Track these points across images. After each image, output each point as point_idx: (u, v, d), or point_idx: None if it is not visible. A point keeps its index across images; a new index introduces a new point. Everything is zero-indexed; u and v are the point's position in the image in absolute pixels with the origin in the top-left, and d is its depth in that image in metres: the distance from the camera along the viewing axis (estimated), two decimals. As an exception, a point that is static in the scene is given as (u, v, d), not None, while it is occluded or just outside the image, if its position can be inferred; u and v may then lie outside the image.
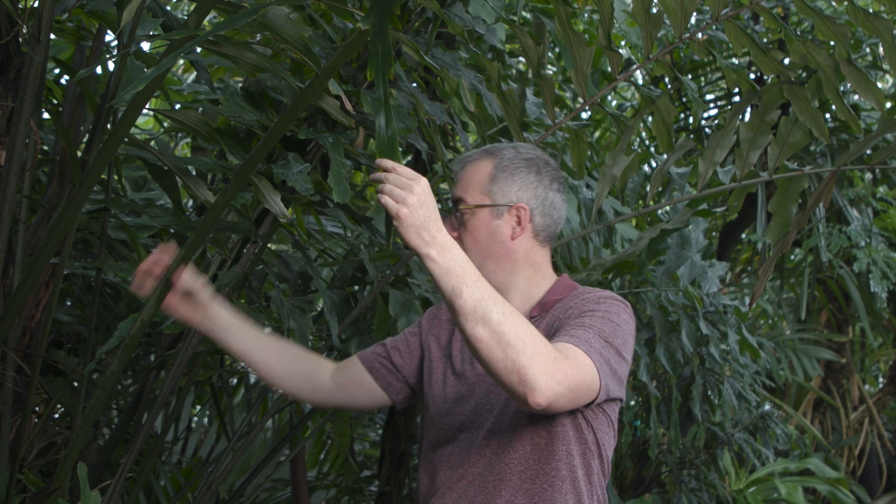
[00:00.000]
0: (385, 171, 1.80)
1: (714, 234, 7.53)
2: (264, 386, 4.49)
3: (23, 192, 2.73)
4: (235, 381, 5.49)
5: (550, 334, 2.00)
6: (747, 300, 6.81)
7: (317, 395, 2.31)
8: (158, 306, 2.29)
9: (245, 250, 2.98)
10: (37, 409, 3.09)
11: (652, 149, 6.82)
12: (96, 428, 3.29)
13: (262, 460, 3.61)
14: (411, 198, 1.75)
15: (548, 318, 2.08)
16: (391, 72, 1.82)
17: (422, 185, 1.77)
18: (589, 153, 5.13)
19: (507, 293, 2.12)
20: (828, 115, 6.31)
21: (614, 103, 7.63)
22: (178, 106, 3.87)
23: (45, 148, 3.24)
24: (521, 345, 1.73)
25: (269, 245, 3.02)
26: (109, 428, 3.95)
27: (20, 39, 2.65)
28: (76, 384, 3.06)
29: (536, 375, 1.72)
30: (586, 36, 5.36)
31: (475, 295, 1.74)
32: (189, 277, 2.20)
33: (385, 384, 2.30)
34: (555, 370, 1.75)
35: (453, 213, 2.16)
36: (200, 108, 2.99)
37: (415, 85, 3.22)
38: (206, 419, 6.08)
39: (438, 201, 4.64)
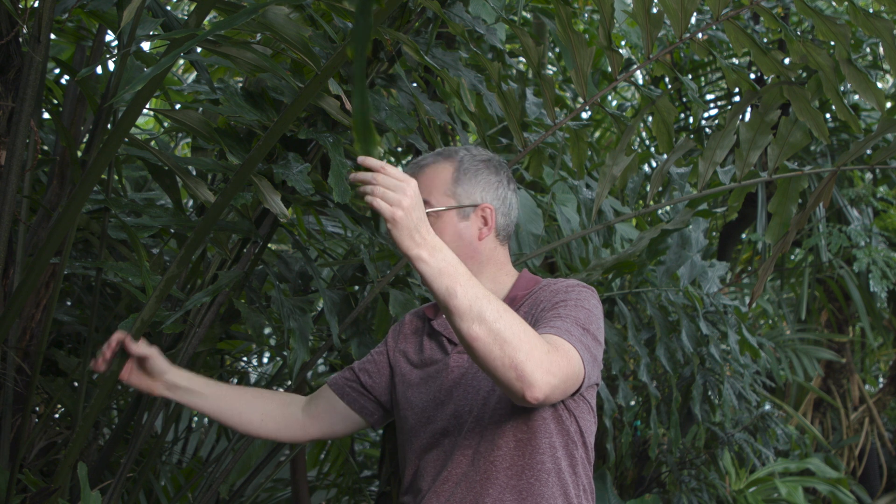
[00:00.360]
0: (371, 170, 1.74)
1: (714, 234, 7.54)
2: (265, 386, 4.49)
3: (23, 192, 2.74)
4: (236, 380, 5.49)
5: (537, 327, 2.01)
6: (747, 300, 6.81)
7: (293, 431, 2.33)
8: (158, 305, 2.29)
9: (245, 250, 2.99)
10: (37, 408, 3.09)
11: (652, 149, 6.82)
12: (96, 428, 3.28)
13: (262, 460, 3.61)
14: (405, 200, 1.72)
15: (518, 314, 2.08)
16: (368, 48, 1.78)
17: (413, 185, 1.75)
18: (589, 153, 5.13)
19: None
20: (828, 115, 6.31)
21: (614, 103, 7.63)
22: (178, 106, 3.87)
23: (46, 148, 3.24)
24: (517, 341, 1.73)
25: (269, 245, 3.02)
26: (110, 428, 3.95)
27: (20, 39, 2.65)
28: (76, 384, 3.06)
29: (533, 370, 1.73)
30: (587, 36, 5.37)
31: (469, 294, 1.74)
32: (143, 346, 2.21)
33: (358, 407, 2.32)
34: (549, 363, 1.76)
35: None
36: (201, 108, 2.99)
37: (415, 85, 3.22)
38: (206, 419, 6.09)
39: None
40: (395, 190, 1.72)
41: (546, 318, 1.97)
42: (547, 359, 1.76)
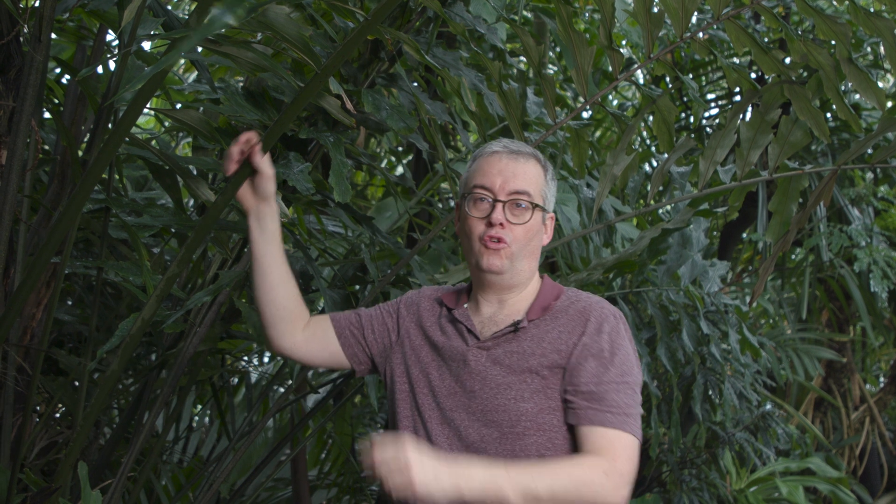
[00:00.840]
0: (373, 464, 1.83)
1: (715, 233, 7.53)
2: (265, 385, 4.49)
3: (24, 192, 2.74)
4: (236, 380, 5.50)
5: (557, 352, 2.08)
6: (748, 299, 6.81)
7: (283, 341, 2.29)
8: (159, 305, 2.29)
9: (246, 250, 2.99)
10: (38, 408, 3.09)
11: (653, 148, 6.82)
12: (97, 427, 3.29)
13: (263, 460, 3.62)
14: (412, 467, 1.80)
15: (553, 333, 2.12)
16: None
17: (409, 449, 1.82)
18: (590, 152, 5.13)
19: (516, 292, 2.19)
20: (828, 115, 6.31)
21: (615, 103, 7.63)
22: (178, 105, 3.87)
23: (47, 147, 3.24)
24: (577, 493, 1.88)
25: (269, 244, 3.01)
26: (110, 427, 3.95)
27: (21, 39, 2.65)
28: (77, 383, 3.06)
29: (605, 499, 1.90)
30: (587, 35, 5.37)
31: (517, 487, 1.84)
32: (266, 161, 2.16)
33: (350, 353, 2.32)
34: (614, 485, 1.92)
35: (510, 202, 2.13)
36: (201, 108, 2.99)
37: (416, 84, 3.22)
38: (207, 418, 6.09)
39: (439, 201, 4.63)
40: (398, 467, 1.81)
41: (596, 395, 2.03)
42: (610, 483, 1.91)
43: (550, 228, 2.23)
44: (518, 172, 2.15)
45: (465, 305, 2.22)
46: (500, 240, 2.11)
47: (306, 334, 2.30)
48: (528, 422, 2.06)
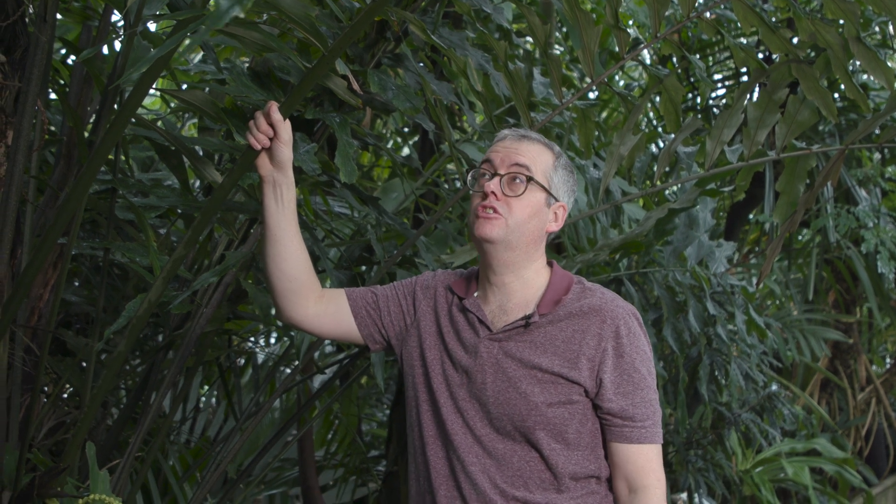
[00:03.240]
0: None
1: (722, 213, 7.52)
2: (272, 366, 4.50)
3: (30, 173, 2.74)
4: (243, 361, 5.51)
5: (570, 351, 2.09)
6: (755, 280, 6.80)
7: (294, 313, 2.26)
8: (166, 286, 2.29)
9: (252, 230, 2.99)
10: (46, 389, 3.10)
11: (659, 128, 6.80)
12: (105, 408, 3.30)
13: (269, 440, 3.62)
14: None
15: (567, 332, 2.12)
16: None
17: None
18: (596, 133, 5.11)
19: (514, 272, 2.17)
20: (836, 94, 6.28)
21: (622, 83, 7.60)
22: (184, 86, 3.86)
23: (53, 128, 3.24)
24: None
25: (276, 225, 3.01)
26: (118, 408, 3.97)
27: (27, 19, 2.64)
28: (85, 364, 3.07)
29: None
30: (594, 15, 5.34)
31: None
32: (287, 128, 2.11)
33: (366, 333, 2.31)
34: (664, 495, 2.10)
35: (508, 175, 2.14)
36: (207, 88, 2.98)
37: (422, 65, 3.21)
38: (213, 399, 6.11)
39: (445, 182, 4.63)
40: None
41: (631, 411, 2.10)
42: (662, 498, 2.09)
43: (561, 218, 2.21)
44: (521, 150, 2.16)
45: (476, 294, 2.22)
46: (494, 210, 2.11)
47: (319, 308, 2.27)
48: (538, 416, 2.06)
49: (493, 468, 2.10)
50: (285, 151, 2.10)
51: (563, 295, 2.16)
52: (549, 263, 2.24)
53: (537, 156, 2.17)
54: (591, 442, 2.11)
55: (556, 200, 2.18)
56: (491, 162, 2.16)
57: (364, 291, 2.34)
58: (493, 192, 2.11)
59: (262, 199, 2.15)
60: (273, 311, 2.35)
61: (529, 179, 2.13)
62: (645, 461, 2.09)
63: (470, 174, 2.24)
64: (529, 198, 2.14)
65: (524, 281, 2.18)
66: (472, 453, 2.12)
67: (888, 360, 9.91)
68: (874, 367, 8.80)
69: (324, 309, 2.27)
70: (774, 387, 5.99)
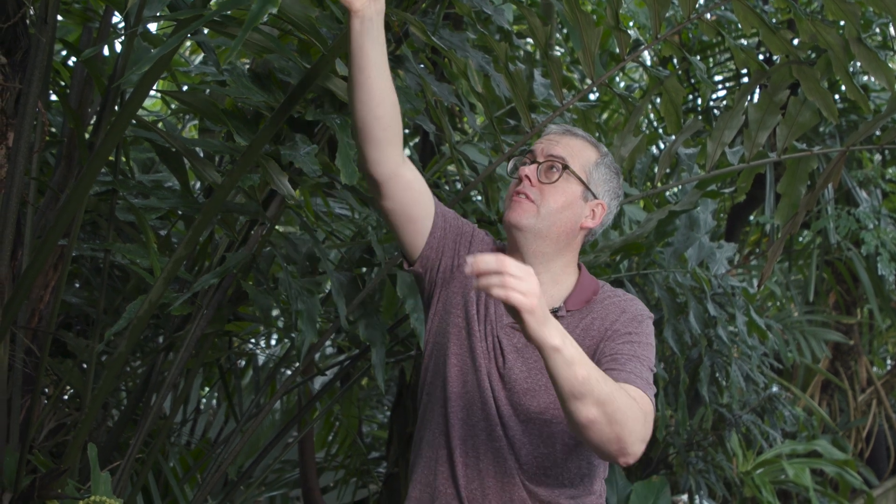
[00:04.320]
0: (490, 272, 1.70)
1: (722, 215, 7.51)
2: (273, 367, 4.50)
3: (31, 174, 2.74)
4: (244, 362, 5.51)
5: (590, 338, 2.07)
6: (756, 282, 6.79)
7: (384, 167, 2.06)
8: (166, 287, 2.29)
9: (253, 232, 2.99)
10: (46, 390, 3.10)
11: (660, 130, 6.80)
12: (105, 409, 3.30)
13: (270, 442, 3.62)
14: (535, 287, 1.70)
15: (587, 320, 2.11)
16: None
17: (532, 272, 1.72)
18: (597, 134, 5.11)
19: (543, 263, 2.13)
20: (837, 96, 6.28)
21: (622, 84, 7.60)
22: (185, 87, 3.86)
23: (53, 130, 3.24)
24: (624, 419, 1.80)
25: (276, 227, 3.02)
26: (118, 409, 3.97)
27: (27, 21, 2.64)
28: (85, 366, 3.07)
29: (633, 443, 1.83)
30: (594, 16, 5.34)
31: (590, 377, 1.77)
32: None
33: (426, 254, 2.18)
34: (644, 433, 1.87)
35: (546, 164, 2.13)
36: (208, 90, 2.98)
37: (422, 66, 3.21)
38: (214, 401, 6.11)
39: (446, 183, 4.62)
40: (523, 279, 1.70)
41: (621, 353, 2.01)
42: (643, 429, 1.86)
43: (599, 216, 2.17)
44: (561, 142, 2.16)
45: None
46: (525, 195, 2.09)
47: (410, 175, 2.09)
48: (556, 410, 2.05)
49: (514, 446, 2.08)
50: None
51: (591, 296, 2.15)
52: (578, 266, 2.22)
53: (578, 150, 2.16)
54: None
55: (595, 197, 2.16)
56: (532, 152, 2.16)
57: (448, 216, 2.21)
58: (527, 177, 2.10)
59: (353, 37, 1.94)
60: (359, 166, 2.11)
61: (564, 168, 2.11)
62: (639, 396, 1.93)
63: (512, 161, 2.23)
64: (564, 187, 2.11)
65: (552, 275, 2.14)
66: (497, 425, 2.09)
67: (889, 361, 9.90)
68: (875, 369, 8.79)
69: (411, 182, 2.10)
70: (775, 388, 5.98)
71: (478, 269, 1.70)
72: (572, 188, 2.13)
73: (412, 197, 2.11)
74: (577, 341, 1.95)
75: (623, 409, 1.80)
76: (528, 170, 2.12)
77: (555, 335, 1.73)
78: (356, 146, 2.09)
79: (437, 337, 2.21)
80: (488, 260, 1.69)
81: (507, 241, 2.22)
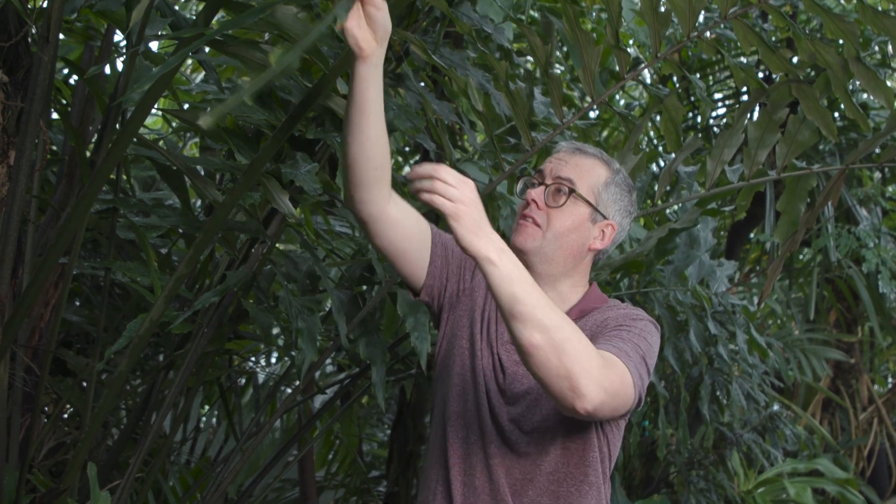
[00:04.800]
0: (426, 177, 1.72)
1: (722, 233, 7.52)
2: (273, 386, 4.49)
3: (32, 192, 2.74)
4: (244, 381, 5.50)
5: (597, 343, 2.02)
6: (756, 300, 6.79)
7: (372, 207, 2.06)
8: (167, 305, 2.29)
9: (253, 250, 2.99)
10: (46, 409, 3.10)
11: (660, 148, 6.81)
12: (105, 428, 3.29)
13: (270, 460, 3.61)
14: (465, 196, 1.70)
15: (580, 322, 2.08)
16: None
17: (471, 185, 1.72)
18: (597, 153, 5.11)
19: (550, 285, 2.13)
20: (836, 114, 6.29)
21: (622, 102, 7.62)
22: (186, 106, 3.87)
23: (55, 148, 3.25)
24: (574, 352, 1.73)
25: (277, 245, 3.02)
26: (118, 428, 3.96)
27: (29, 40, 2.65)
28: (85, 384, 3.07)
29: (587, 382, 1.73)
30: (594, 35, 5.36)
31: (533, 301, 1.72)
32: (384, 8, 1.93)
33: (430, 283, 2.19)
34: (603, 378, 1.76)
35: (553, 186, 2.11)
36: (209, 108, 2.99)
37: (423, 84, 3.22)
38: (214, 419, 6.09)
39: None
40: (455, 186, 1.70)
41: (608, 336, 1.98)
42: (601, 373, 1.76)
43: (608, 237, 2.14)
44: (571, 162, 2.13)
45: None
46: (531, 218, 2.09)
47: (397, 212, 2.10)
48: (556, 419, 2.04)
49: (506, 465, 2.07)
50: (387, 19, 1.92)
51: (593, 307, 2.14)
52: (590, 282, 2.21)
53: (587, 170, 2.13)
54: (600, 465, 2.09)
55: (605, 218, 2.14)
56: (542, 172, 2.15)
57: (446, 239, 2.21)
58: (533, 201, 2.10)
59: (357, 81, 1.93)
60: (345, 203, 2.14)
61: (571, 192, 2.09)
62: (610, 357, 1.86)
63: (521, 182, 2.21)
64: (571, 210, 2.10)
65: (559, 293, 2.14)
66: (493, 445, 2.08)
67: (890, 379, 9.89)
68: (876, 387, 8.78)
69: (400, 217, 2.11)
70: (776, 407, 5.98)
71: (412, 175, 1.71)
72: (580, 211, 2.11)
73: (401, 233, 2.12)
74: None
75: (573, 342, 1.73)
76: (535, 193, 2.11)
77: (490, 248, 1.71)
78: (343, 185, 2.09)
79: (444, 360, 2.22)
80: (424, 166, 1.70)
81: None
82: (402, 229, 2.11)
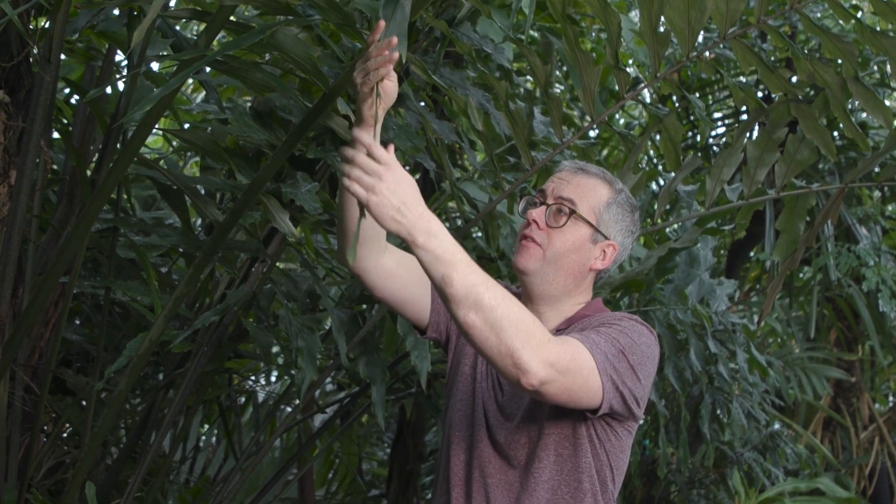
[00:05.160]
0: (346, 160, 1.71)
1: (722, 251, 7.52)
2: (272, 405, 4.48)
3: (33, 212, 2.75)
4: (244, 400, 5.49)
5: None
6: (756, 318, 6.78)
7: (366, 261, 2.10)
8: (167, 324, 2.29)
9: (253, 269, 2.99)
10: (45, 428, 3.09)
11: (660, 167, 6.82)
12: (104, 447, 3.29)
13: (270, 480, 3.60)
14: (381, 184, 1.68)
15: (567, 331, 2.08)
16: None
17: (393, 168, 1.70)
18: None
19: (551, 305, 2.14)
20: (835, 133, 6.31)
21: (622, 122, 7.64)
22: (187, 125, 3.88)
23: (56, 167, 3.26)
24: (513, 329, 1.73)
25: (277, 264, 3.02)
26: (118, 447, 3.95)
27: (31, 60, 2.67)
28: (85, 403, 3.06)
29: (529, 358, 1.73)
30: (594, 55, 5.38)
31: (466, 281, 1.72)
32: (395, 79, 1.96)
33: (435, 319, 2.21)
34: (547, 352, 1.76)
35: (555, 206, 2.12)
36: (209, 128, 3.00)
37: (423, 104, 3.23)
38: (214, 438, 6.08)
39: (446, 220, 4.63)
40: (371, 174, 1.69)
41: (584, 331, 1.97)
42: (545, 347, 1.76)
43: (609, 257, 2.14)
44: (572, 182, 2.14)
45: None
46: (532, 239, 2.09)
47: (392, 265, 2.13)
48: (556, 426, 2.04)
49: (506, 480, 2.07)
50: (393, 89, 1.96)
51: (583, 315, 2.13)
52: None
53: (589, 190, 2.13)
54: (595, 473, 2.08)
55: (606, 238, 2.14)
56: (544, 192, 2.15)
57: None
58: (534, 221, 2.10)
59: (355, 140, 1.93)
60: (338, 259, 2.15)
61: (572, 212, 2.10)
62: (564, 340, 1.85)
63: (523, 201, 2.21)
64: (572, 231, 2.10)
65: (559, 311, 2.15)
66: (491, 464, 2.09)
67: (891, 398, 9.87)
68: (877, 406, 8.76)
69: (395, 268, 2.14)
70: (777, 425, 5.97)
71: (342, 155, 1.71)
72: (580, 231, 2.11)
73: (399, 283, 2.15)
74: None
75: (511, 319, 1.72)
76: (537, 213, 2.11)
77: (415, 231, 1.69)
78: (338, 241, 2.11)
79: (450, 388, 2.24)
80: (347, 150, 1.70)
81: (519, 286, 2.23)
82: (399, 278, 2.14)
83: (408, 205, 1.70)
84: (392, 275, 2.13)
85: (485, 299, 1.72)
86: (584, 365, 1.84)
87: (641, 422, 2.11)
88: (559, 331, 2.11)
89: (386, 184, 1.69)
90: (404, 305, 2.19)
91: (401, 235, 1.72)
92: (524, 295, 2.17)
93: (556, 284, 2.12)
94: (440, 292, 1.75)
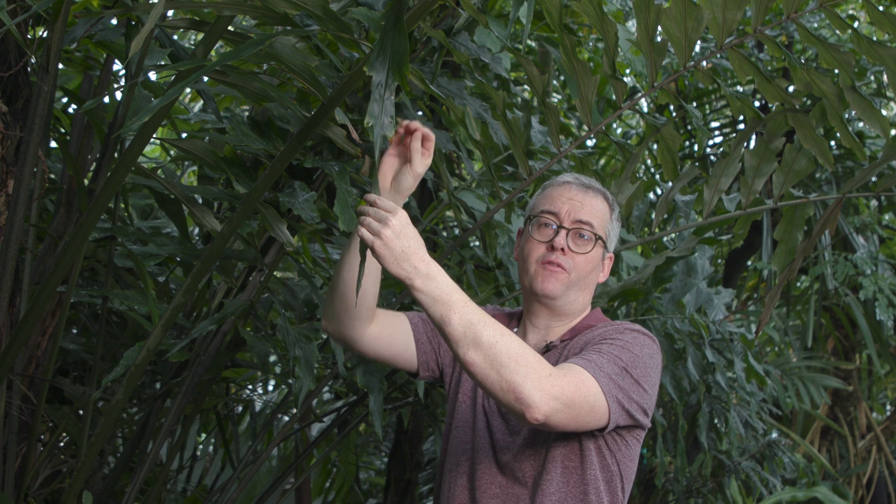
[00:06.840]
0: (369, 204, 1.83)
1: (720, 261, 7.53)
2: (270, 414, 4.47)
3: (30, 221, 2.74)
4: (241, 408, 5.48)
5: (573, 355, 2.06)
6: (753, 327, 6.78)
7: (353, 332, 2.17)
8: (164, 334, 2.29)
9: (251, 278, 2.99)
10: (42, 437, 3.09)
11: (657, 176, 6.82)
12: (101, 456, 3.28)
13: (267, 489, 3.60)
14: (386, 230, 1.78)
15: (572, 342, 2.13)
16: (406, 70, 1.83)
17: (399, 217, 1.80)
18: (594, 181, 5.12)
19: (564, 320, 2.20)
20: (833, 143, 6.32)
21: (619, 131, 7.64)
22: (184, 135, 3.88)
23: (53, 177, 3.26)
24: (513, 364, 1.77)
25: (274, 273, 3.02)
26: (115, 456, 3.94)
27: (29, 69, 2.67)
28: (82, 412, 3.06)
29: (532, 392, 1.77)
30: (591, 64, 5.39)
31: (465, 320, 1.78)
32: (422, 161, 2.08)
33: (423, 360, 2.27)
34: (549, 385, 1.80)
35: (574, 231, 2.16)
36: (207, 137, 3.00)
37: (420, 113, 3.23)
38: (211, 447, 6.07)
39: (444, 229, 4.63)
40: (379, 220, 1.79)
41: (588, 350, 2.01)
42: (547, 381, 1.80)
43: (608, 268, 2.24)
44: (586, 204, 2.19)
45: (515, 331, 2.23)
46: (559, 266, 2.13)
47: (374, 330, 2.20)
48: (557, 440, 2.06)
49: (516, 497, 2.08)
50: (410, 184, 2.10)
51: (589, 324, 2.19)
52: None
53: (598, 210, 2.20)
54: (603, 484, 2.09)
55: (608, 252, 2.24)
56: (556, 214, 2.18)
57: (425, 317, 2.28)
58: (562, 249, 2.14)
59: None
60: (322, 326, 2.24)
61: (597, 238, 2.16)
62: (567, 369, 1.88)
63: (534, 221, 2.22)
64: (592, 253, 2.17)
65: (568, 326, 2.21)
66: (495, 484, 2.11)
67: (888, 407, 9.87)
68: (875, 415, 8.76)
69: (379, 331, 2.21)
70: (774, 434, 5.96)
71: (357, 210, 1.84)
72: (597, 252, 2.19)
73: (384, 343, 2.22)
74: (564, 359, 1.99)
75: (511, 355, 1.78)
76: (561, 239, 2.14)
77: (414, 275, 1.79)
78: (325, 309, 2.20)
79: (450, 412, 2.27)
80: (369, 198, 1.83)
81: (515, 305, 2.26)
82: (384, 339, 2.22)
83: (411, 248, 1.80)
84: (377, 338, 2.20)
85: (483, 337, 1.78)
86: (588, 393, 1.88)
87: (649, 426, 2.14)
88: (563, 341, 2.15)
89: (392, 229, 1.78)
90: (394, 360, 2.26)
91: (400, 278, 1.80)
92: (534, 313, 2.21)
93: (577, 303, 2.19)
94: (440, 333, 1.81)
